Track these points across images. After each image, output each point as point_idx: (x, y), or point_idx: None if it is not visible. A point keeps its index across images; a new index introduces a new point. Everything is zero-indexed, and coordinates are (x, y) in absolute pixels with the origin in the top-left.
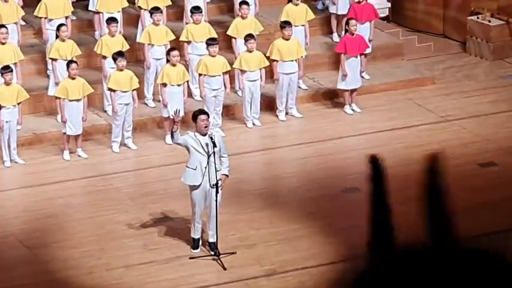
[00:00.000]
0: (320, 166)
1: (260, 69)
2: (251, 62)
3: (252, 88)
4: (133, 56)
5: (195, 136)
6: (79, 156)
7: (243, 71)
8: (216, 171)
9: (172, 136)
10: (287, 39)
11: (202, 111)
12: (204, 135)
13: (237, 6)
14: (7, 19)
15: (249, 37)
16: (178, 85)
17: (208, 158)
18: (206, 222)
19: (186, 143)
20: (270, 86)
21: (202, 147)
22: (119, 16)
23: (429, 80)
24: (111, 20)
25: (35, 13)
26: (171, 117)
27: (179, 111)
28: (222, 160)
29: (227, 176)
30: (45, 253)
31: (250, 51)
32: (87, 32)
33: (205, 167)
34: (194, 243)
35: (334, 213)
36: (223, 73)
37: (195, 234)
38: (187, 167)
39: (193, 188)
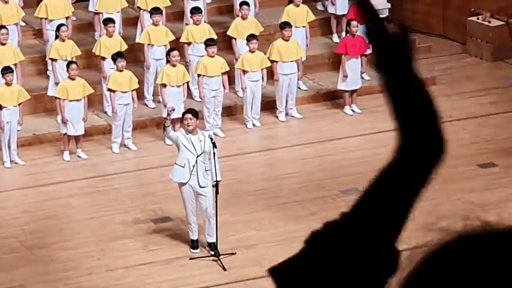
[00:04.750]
0: (320, 167)
1: (262, 69)
2: (253, 62)
3: (253, 88)
4: (132, 57)
5: (187, 134)
6: (79, 156)
7: (244, 71)
8: (206, 171)
9: (164, 129)
10: (287, 40)
11: (188, 111)
12: (190, 133)
13: (237, 7)
14: (7, 20)
15: (251, 37)
16: (178, 86)
17: (197, 157)
18: (205, 224)
19: (177, 138)
20: (270, 87)
21: (193, 145)
22: (118, 16)
23: (429, 81)
24: (108, 21)
25: (35, 14)
26: (168, 111)
27: (173, 109)
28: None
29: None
30: (45, 254)
31: (252, 52)
32: (87, 32)
33: (193, 166)
34: (193, 244)
35: (334, 213)
36: (222, 73)
37: (193, 235)
38: (175, 164)
39: (181, 185)
